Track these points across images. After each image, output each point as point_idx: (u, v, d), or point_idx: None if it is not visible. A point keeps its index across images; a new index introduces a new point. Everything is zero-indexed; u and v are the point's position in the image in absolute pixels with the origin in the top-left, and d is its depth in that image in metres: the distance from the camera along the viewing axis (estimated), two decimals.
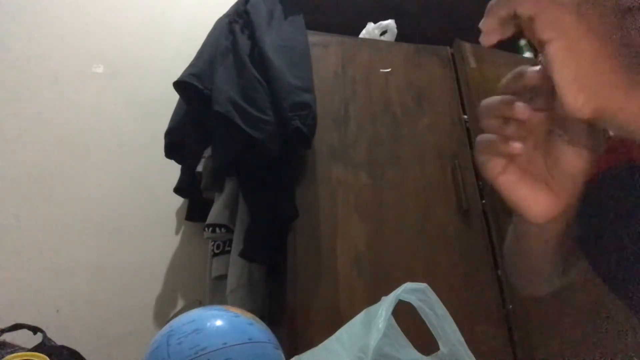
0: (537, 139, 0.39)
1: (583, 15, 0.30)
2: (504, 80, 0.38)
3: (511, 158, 0.39)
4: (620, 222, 0.43)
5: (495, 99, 0.38)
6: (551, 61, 0.31)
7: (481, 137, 0.39)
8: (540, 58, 0.36)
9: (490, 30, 0.34)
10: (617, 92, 0.30)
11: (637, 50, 0.31)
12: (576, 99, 0.30)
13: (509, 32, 0.35)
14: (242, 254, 1.15)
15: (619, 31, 0.31)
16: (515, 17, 0.33)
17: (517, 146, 0.36)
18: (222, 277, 1.23)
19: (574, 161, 0.38)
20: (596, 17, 0.30)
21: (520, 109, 0.36)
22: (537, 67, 0.36)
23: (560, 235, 0.47)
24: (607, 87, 0.30)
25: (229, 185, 1.29)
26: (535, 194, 0.39)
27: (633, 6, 0.34)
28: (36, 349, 0.85)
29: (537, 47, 0.35)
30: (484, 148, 0.39)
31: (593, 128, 0.37)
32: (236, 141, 1.15)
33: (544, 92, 0.36)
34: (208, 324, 0.57)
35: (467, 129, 1.40)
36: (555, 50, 0.30)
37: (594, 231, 0.47)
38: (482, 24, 0.34)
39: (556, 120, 0.38)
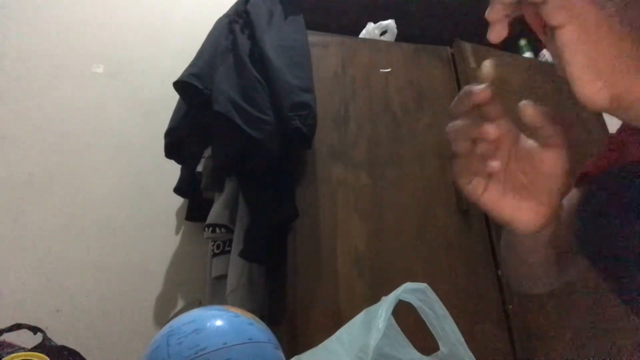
0: (509, 150, 0.38)
1: None
2: (453, 104, 0.38)
3: (490, 176, 0.38)
4: (621, 221, 0.43)
5: (460, 122, 0.37)
6: (563, 47, 0.29)
7: (457, 162, 0.39)
8: (542, 56, 0.36)
9: (497, 20, 0.33)
10: (636, 76, 0.29)
11: None
12: (592, 86, 0.29)
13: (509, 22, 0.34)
14: (242, 254, 1.15)
15: (630, 15, 0.29)
16: (519, 4, 0.32)
17: (495, 165, 0.36)
18: (222, 277, 1.23)
19: (552, 163, 0.38)
20: (607, 1, 0.29)
21: (489, 129, 0.35)
22: (483, 85, 0.36)
23: (549, 240, 0.47)
24: (625, 72, 0.29)
25: (229, 185, 1.29)
26: (521, 206, 0.39)
27: None
28: (36, 349, 0.85)
29: (542, 38, 0.34)
30: (462, 171, 0.39)
31: (560, 126, 0.37)
32: (236, 141, 1.15)
33: (494, 104, 0.36)
34: (208, 324, 0.57)
35: None
36: (567, 35, 0.29)
37: (594, 230, 0.47)
38: (488, 13, 0.33)
39: (522, 127, 0.37)
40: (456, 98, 0.38)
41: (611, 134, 0.53)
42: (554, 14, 0.29)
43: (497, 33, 0.33)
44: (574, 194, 0.54)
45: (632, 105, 0.29)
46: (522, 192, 0.39)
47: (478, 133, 0.36)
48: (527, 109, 0.36)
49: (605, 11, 0.29)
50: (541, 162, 0.38)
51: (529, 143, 0.39)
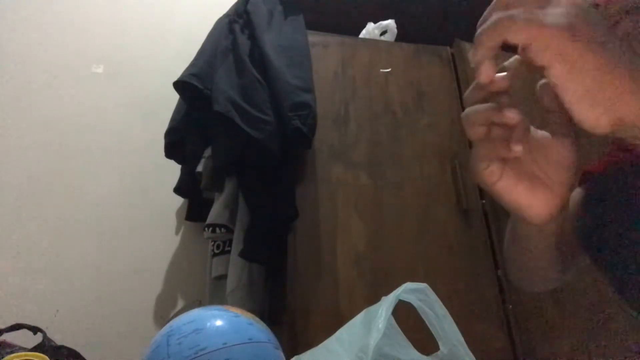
0: (521, 138, 0.39)
1: (576, 35, 0.30)
2: (469, 90, 0.38)
3: (505, 163, 0.39)
4: (624, 220, 0.43)
5: (479, 107, 0.38)
6: (555, 85, 0.31)
7: (479, 145, 0.39)
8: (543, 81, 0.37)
9: (482, 62, 0.34)
10: (629, 98, 0.30)
11: (635, 54, 0.31)
12: (591, 115, 0.30)
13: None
14: (242, 254, 1.15)
15: (614, 41, 0.31)
16: (504, 44, 0.33)
17: (519, 149, 0.37)
18: (222, 277, 1.23)
19: (562, 151, 0.38)
20: (589, 33, 0.30)
21: (511, 114, 0.36)
22: (504, 73, 0.37)
23: (556, 234, 0.48)
24: (618, 96, 0.30)
25: (229, 185, 1.29)
26: (534, 193, 0.39)
27: (621, 16, 0.34)
28: (36, 349, 0.85)
29: (533, 70, 0.35)
30: (481, 156, 0.39)
31: (569, 117, 0.38)
32: (236, 141, 1.15)
33: (508, 95, 0.37)
34: (208, 324, 0.57)
35: None
36: (557, 74, 0.30)
37: (596, 228, 0.47)
38: (473, 56, 0.34)
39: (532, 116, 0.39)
40: (473, 84, 0.38)
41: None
42: (539, 56, 0.30)
43: (486, 73, 0.34)
44: (577, 193, 0.54)
45: (635, 125, 0.30)
46: (534, 181, 0.39)
47: (500, 117, 0.36)
48: (545, 88, 0.37)
49: (587, 44, 0.30)
50: (552, 152, 0.39)
51: (540, 133, 0.40)
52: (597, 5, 0.42)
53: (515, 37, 0.31)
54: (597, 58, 0.30)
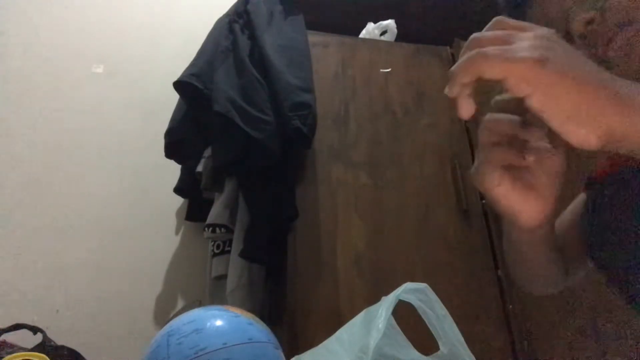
0: (519, 146, 0.40)
1: (547, 63, 0.31)
2: (503, 98, 0.39)
3: (505, 169, 0.40)
4: (627, 224, 0.43)
5: (504, 117, 0.39)
6: (537, 113, 0.31)
7: (487, 151, 0.40)
8: None
9: (460, 97, 0.34)
10: (611, 111, 0.30)
11: (603, 69, 0.32)
12: (579, 135, 0.31)
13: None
14: (242, 254, 1.15)
15: (584, 60, 0.32)
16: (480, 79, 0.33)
17: (531, 159, 0.38)
18: (222, 277, 1.23)
19: (555, 160, 0.39)
20: (558, 59, 0.31)
21: (537, 133, 0.37)
22: None
23: (546, 238, 0.48)
24: (600, 111, 0.31)
25: (229, 185, 1.29)
26: (527, 200, 0.40)
27: (615, 30, 0.34)
28: (36, 349, 0.85)
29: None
30: (491, 161, 0.40)
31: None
32: (236, 141, 1.15)
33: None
34: (208, 324, 0.57)
35: (467, 129, 1.40)
36: (537, 103, 0.31)
37: (600, 232, 0.47)
38: (449, 93, 0.35)
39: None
40: (506, 97, 0.38)
41: None
42: (517, 88, 0.31)
43: (466, 110, 0.35)
44: (581, 198, 0.54)
45: (624, 138, 0.31)
46: (527, 188, 0.40)
47: (525, 134, 0.37)
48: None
49: (559, 70, 0.31)
50: (545, 160, 0.39)
51: (537, 143, 0.40)
52: (592, 20, 0.43)
53: (490, 73, 0.32)
54: (571, 81, 0.31)
